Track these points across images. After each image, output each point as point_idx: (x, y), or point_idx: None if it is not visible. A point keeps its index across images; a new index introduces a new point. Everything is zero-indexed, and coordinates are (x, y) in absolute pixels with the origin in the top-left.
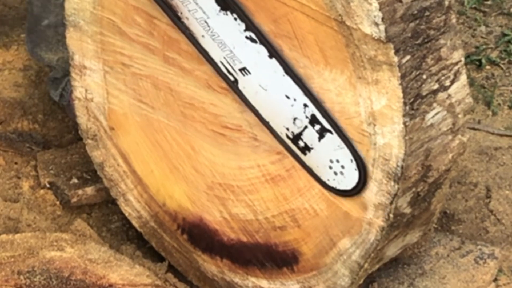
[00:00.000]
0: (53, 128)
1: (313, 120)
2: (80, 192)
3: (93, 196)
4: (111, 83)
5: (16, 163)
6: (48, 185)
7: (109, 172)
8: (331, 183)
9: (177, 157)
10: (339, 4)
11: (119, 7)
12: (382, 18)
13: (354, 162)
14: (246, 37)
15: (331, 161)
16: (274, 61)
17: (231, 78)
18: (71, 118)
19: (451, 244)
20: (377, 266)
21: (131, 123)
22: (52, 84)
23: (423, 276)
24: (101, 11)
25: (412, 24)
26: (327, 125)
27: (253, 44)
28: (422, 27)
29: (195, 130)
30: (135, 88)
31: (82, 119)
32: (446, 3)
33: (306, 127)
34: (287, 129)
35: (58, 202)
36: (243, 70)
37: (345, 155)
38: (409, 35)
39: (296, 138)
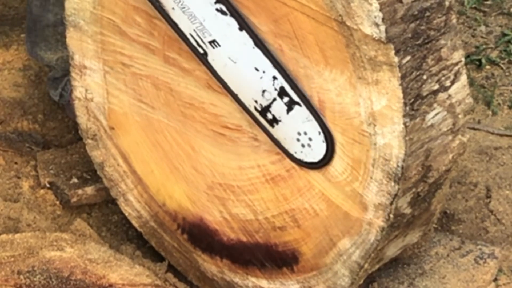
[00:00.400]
0: (53, 128)
1: (282, 93)
2: (80, 192)
3: (93, 196)
4: (111, 83)
5: (16, 163)
6: (48, 185)
7: (109, 172)
8: (298, 156)
9: (177, 157)
10: (340, 5)
11: (119, 7)
12: (383, 19)
13: (321, 134)
14: (217, 9)
15: (299, 134)
16: (244, 33)
17: (201, 50)
18: (71, 118)
19: (451, 244)
20: (377, 266)
21: (131, 123)
22: (52, 84)
23: (423, 276)
24: (101, 11)
25: (412, 25)
26: (295, 97)
27: (223, 17)
28: (423, 27)
29: (195, 130)
30: (135, 88)
31: (82, 119)
32: (447, 3)
33: (274, 99)
34: (256, 101)
35: (58, 202)
36: (212, 42)
37: (313, 127)
38: (410, 35)
39: (264, 110)
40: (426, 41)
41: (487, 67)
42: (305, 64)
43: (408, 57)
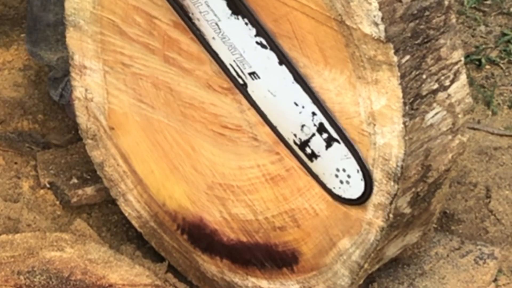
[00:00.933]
0: (53, 128)
1: (321, 129)
2: (80, 192)
3: (93, 196)
4: (111, 83)
5: (16, 163)
6: (48, 185)
7: (109, 172)
8: (337, 191)
9: (177, 157)
10: (339, 4)
11: (119, 6)
12: (382, 18)
13: (360, 172)
14: (257, 42)
15: (338, 170)
16: (283, 67)
17: (240, 81)
18: (71, 118)
19: (451, 244)
20: (377, 266)
21: (131, 123)
22: (52, 84)
23: (423, 276)
24: (101, 11)
25: (411, 24)
26: (334, 135)
27: (263, 50)
28: (422, 27)
29: (195, 130)
30: (135, 88)
31: (82, 119)
32: (446, 3)
33: (313, 134)
34: (295, 135)
35: (58, 202)
36: (252, 74)
37: (352, 165)
38: (409, 35)
39: (303, 144)
40: (426, 40)
41: (487, 67)
42: (305, 64)
43: (408, 57)
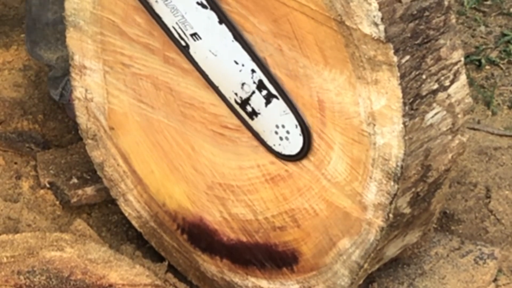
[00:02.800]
0: (53, 128)
1: (260, 86)
2: (80, 192)
3: (93, 196)
4: (111, 83)
5: (16, 163)
6: (48, 185)
7: (109, 172)
8: (277, 148)
9: (177, 157)
10: (339, 4)
11: (119, 7)
12: (382, 18)
13: (298, 127)
14: (197, 3)
15: (277, 126)
16: (223, 26)
17: (183, 43)
18: (71, 117)
19: (451, 244)
20: (377, 266)
21: (131, 123)
22: (52, 83)
23: (423, 276)
24: (101, 11)
25: (411, 24)
26: (273, 91)
27: (204, 10)
28: (422, 27)
29: (195, 130)
30: (135, 88)
31: (82, 119)
32: (446, 3)
33: (253, 92)
34: (236, 94)
35: (58, 202)
36: (194, 35)
37: (290, 121)
38: (409, 35)
39: (244, 103)
40: (425, 40)
41: (487, 67)
42: (305, 64)
43: (407, 57)
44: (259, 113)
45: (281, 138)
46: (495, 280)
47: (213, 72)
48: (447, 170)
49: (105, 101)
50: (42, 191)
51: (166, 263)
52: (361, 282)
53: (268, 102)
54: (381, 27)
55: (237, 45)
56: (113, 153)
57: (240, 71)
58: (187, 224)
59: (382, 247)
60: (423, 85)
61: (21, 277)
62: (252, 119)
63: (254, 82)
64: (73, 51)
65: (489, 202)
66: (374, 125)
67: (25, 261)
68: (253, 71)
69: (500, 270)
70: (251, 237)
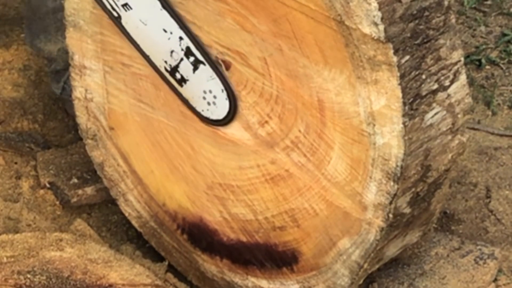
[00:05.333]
0: (53, 128)
1: (188, 53)
2: (80, 192)
3: (93, 196)
4: (111, 83)
5: (16, 163)
6: (48, 185)
7: (109, 172)
8: (205, 113)
9: (177, 157)
10: (339, 4)
11: None
12: (381, 18)
13: (224, 92)
14: None
15: (205, 92)
16: None
17: (115, 14)
18: (71, 113)
19: (451, 244)
20: (377, 266)
21: (131, 123)
22: (54, 77)
23: (423, 276)
24: (101, 11)
25: (411, 24)
26: (200, 57)
27: None
28: (422, 27)
29: (195, 130)
30: (135, 88)
31: (82, 119)
32: (446, 3)
33: (182, 59)
34: (166, 62)
35: (58, 202)
36: (125, 5)
37: (217, 86)
38: (409, 35)
39: (173, 70)
40: (425, 40)
41: (487, 67)
42: (304, 64)
43: (407, 57)
44: (187, 80)
45: (208, 103)
46: (495, 280)
47: (144, 41)
48: (447, 170)
49: (105, 101)
50: (42, 191)
51: (166, 263)
52: (361, 282)
53: (195, 68)
54: (381, 27)
55: (165, 13)
56: (113, 153)
57: (169, 39)
58: (187, 224)
59: (382, 247)
60: (423, 85)
61: (21, 277)
62: (182, 86)
63: (182, 49)
64: (73, 51)
65: (489, 202)
66: (374, 125)
67: (25, 261)
68: (180, 38)
69: (500, 270)
70: (251, 237)
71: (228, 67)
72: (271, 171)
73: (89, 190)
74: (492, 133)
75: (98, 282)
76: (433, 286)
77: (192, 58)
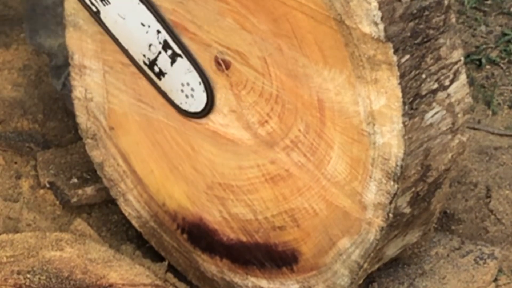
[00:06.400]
0: (53, 128)
1: (166, 46)
2: (80, 192)
3: (93, 196)
4: (111, 82)
5: (16, 163)
6: (48, 185)
7: (109, 172)
8: (183, 106)
9: (177, 157)
10: (338, 4)
11: None
12: (381, 18)
13: (202, 84)
14: None
15: (182, 85)
16: None
17: (94, 9)
18: (70, 108)
19: (451, 244)
20: (376, 266)
21: (131, 122)
22: (55, 73)
23: (423, 276)
24: None
25: (411, 24)
26: (177, 50)
27: None
28: (422, 26)
29: (195, 129)
30: (135, 87)
31: (82, 118)
32: (446, 2)
33: (160, 52)
34: (144, 55)
35: (58, 202)
36: (103, 0)
37: (194, 78)
38: (408, 34)
39: (151, 64)
40: (425, 40)
41: (487, 66)
42: (304, 63)
43: (407, 56)
44: (165, 73)
45: (186, 96)
46: (495, 280)
47: (122, 35)
48: (447, 170)
49: (105, 100)
50: (42, 191)
51: (166, 263)
52: (361, 282)
53: (173, 61)
54: (381, 27)
55: (142, 7)
56: (113, 152)
57: (147, 32)
58: (187, 224)
59: (382, 247)
60: (422, 85)
61: (21, 277)
62: (160, 79)
63: (160, 43)
64: (73, 50)
65: (490, 201)
66: (374, 124)
67: (25, 261)
68: (158, 31)
69: (500, 270)
70: (251, 237)
71: (228, 66)
72: (271, 171)
73: (89, 190)
74: (492, 133)
75: (98, 282)
76: (433, 286)
77: (169, 51)
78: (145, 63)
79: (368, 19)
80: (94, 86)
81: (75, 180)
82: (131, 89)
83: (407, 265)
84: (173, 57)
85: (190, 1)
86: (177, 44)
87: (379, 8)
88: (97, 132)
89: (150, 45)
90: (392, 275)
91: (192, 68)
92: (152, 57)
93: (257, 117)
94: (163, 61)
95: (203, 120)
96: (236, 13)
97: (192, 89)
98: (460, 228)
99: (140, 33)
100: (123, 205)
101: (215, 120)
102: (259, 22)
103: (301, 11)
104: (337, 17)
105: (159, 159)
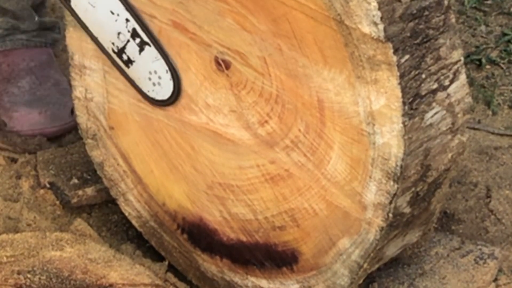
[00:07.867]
0: None
1: (134, 34)
2: (80, 192)
3: (93, 196)
4: (111, 82)
5: (16, 163)
6: (48, 185)
7: (109, 171)
8: (151, 94)
9: (177, 157)
10: (338, 4)
11: None
12: (381, 18)
13: (169, 72)
14: None
15: (150, 73)
16: None
17: None
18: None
19: (451, 244)
20: (376, 266)
21: (131, 122)
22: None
23: (423, 276)
24: None
25: (411, 24)
26: (145, 38)
27: None
28: (421, 26)
29: (195, 129)
30: None
31: (82, 118)
32: (445, 2)
33: (128, 41)
34: (113, 43)
35: (58, 202)
36: None
37: (161, 66)
38: (408, 34)
39: (120, 52)
40: (425, 40)
41: (487, 67)
42: (304, 64)
43: (407, 56)
44: (134, 61)
45: (154, 84)
46: (495, 280)
47: (92, 23)
48: (447, 170)
49: (105, 100)
50: (42, 191)
51: (166, 262)
52: (361, 282)
53: (141, 49)
54: (381, 27)
55: None
56: (113, 152)
57: (116, 20)
58: (187, 223)
59: (382, 247)
60: (422, 85)
61: (21, 277)
62: (128, 67)
63: (129, 31)
64: (73, 50)
65: (490, 201)
66: (374, 124)
67: (25, 261)
68: (127, 20)
69: (500, 270)
70: (251, 237)
71: (228, 66)
72: (271, 171)
73: (89, 190)
74: (493, 133)
75: (98, 282)
76: (433, 286)
77: (138, 40)
78: (114, 51)
79: (367, 19)
80: (94, 86)
81: (76, 181)
82: (131, 89)
83: (407, 265)
84: (141, 46)
85: (190, 1)
86: (145, 32)
87: (379, 8)
88: (97, 132)
89: (119, 33)
90: (392, 275)
91: (159, 56)
92: (120, 45)
93: (257, 117)
94: (132, 49)
95: (171, 108)
96: (236, 13)
97: (159, 77)
98: (460, 228)
99: (110, 21)
100: (123, 205)
101: (215, 120)
102: (259, 22)
103: (301, 11)
104: (337, 17)
105: (159, 159)
